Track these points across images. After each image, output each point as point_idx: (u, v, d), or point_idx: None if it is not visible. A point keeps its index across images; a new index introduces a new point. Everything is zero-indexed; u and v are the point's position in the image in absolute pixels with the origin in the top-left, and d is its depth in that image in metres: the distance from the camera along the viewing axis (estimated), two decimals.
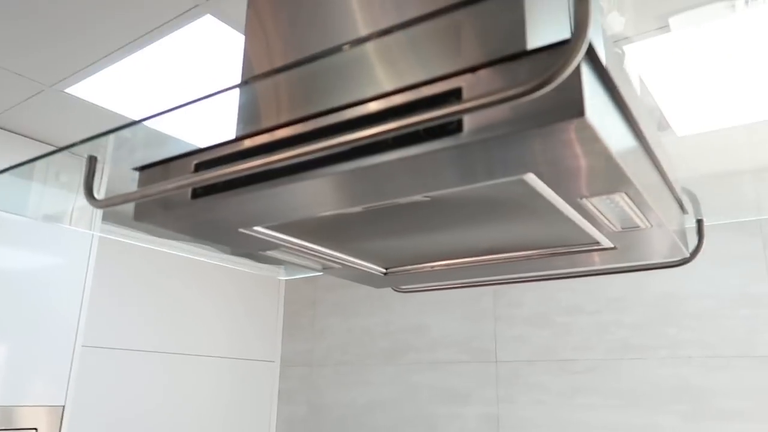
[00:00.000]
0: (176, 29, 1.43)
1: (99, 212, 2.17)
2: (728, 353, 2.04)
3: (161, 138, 1.56)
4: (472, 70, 0.55)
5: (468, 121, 0.54)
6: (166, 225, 0.76)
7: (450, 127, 0.55)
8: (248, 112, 0.79)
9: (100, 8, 1.33)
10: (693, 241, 0.91)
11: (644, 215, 0.70)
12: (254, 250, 0.87)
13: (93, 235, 2.11)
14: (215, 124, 1.54)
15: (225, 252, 2.95)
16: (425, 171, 0.60)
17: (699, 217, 0.95)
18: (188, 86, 1.66)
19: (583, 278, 2.34)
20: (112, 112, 1.78)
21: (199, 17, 1.39)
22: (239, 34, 1.44)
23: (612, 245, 0.83)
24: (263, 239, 0.83)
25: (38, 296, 1.90)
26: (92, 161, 0.73)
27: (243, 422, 2.85)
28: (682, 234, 0.84)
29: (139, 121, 0.88)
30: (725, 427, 1.98)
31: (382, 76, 0.67)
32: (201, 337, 2.72)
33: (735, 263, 2.11)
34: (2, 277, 1.85)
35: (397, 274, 1.02)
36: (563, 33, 0.65)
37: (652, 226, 0.73)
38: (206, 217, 0.75)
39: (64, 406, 1.91)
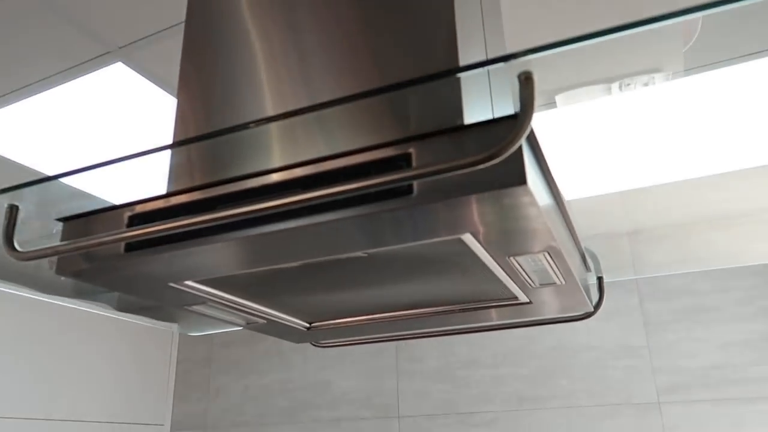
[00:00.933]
0: (86, 73, 1.39)
1: None
2: (612, 401, 2.19)
3: (77, 194, 1.48)
4: (421, 137, 0.59)
5: (418, 184, 0.58)
6: (92, 279, 0.73)
7: (400, 190, 0.59)
8: (181, 170, 0.79)
9: (8, 42, 1.27)
10: (595, 297, 1.00)
11: (560, 272, 0.77)
12: (181, 305, 0.85)
13: None
14: (133, 181, 1.49)
15: (114, 307, 2.77)
16: (372, 229, 0.63)
17: (599, 275, 1.05)
18: (93, 132, 1.60)
19: (480, 333, 2.44)
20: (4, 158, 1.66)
21: (109, 64, 1.37)
22: (150, 83, 1.43)
23: (528, 300, 0.90)
24: (192, 293, 0.81)
25: None
26: (13, 210, 0.69)
27: None
28: (587, 290, 0.92)
29: (56, 177, 0.84)
30: None
31: (323, 144, 0.71)
32: (84, 399, 2.50)
33: (615, 318, 2.30)
34: None
35: (320, 329, 1.03)
36: (490, 111, 0.73)
37: (565, 282, 0.81)
38: (137, 271, 0.73)
39: None
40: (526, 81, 0.51)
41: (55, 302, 2.50)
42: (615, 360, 2.25)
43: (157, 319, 2.97)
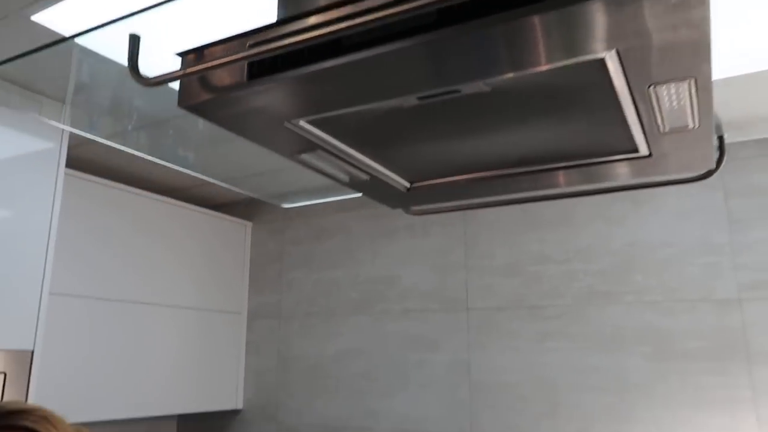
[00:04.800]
0: None
1: (65, 151, 2.05)
2: (690, 297, 2.15)
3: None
4: None
5: None
6: (212, 113, 0.73)
7: None
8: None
9: None
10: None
11: (698, 110, 0.72)
12: (292, 153, 0.84)
13: (57, 179, 2.00)
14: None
15: (196, 201, 2.86)
16: (503, 49, 0.59)
17: (720, 134, 0.99)
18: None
19: (553, 229, 2.41)
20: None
21: None
22: None
23: (648, 152, 0.85)
24: (305, 137, 0.81)
25: (1, 241, 1.80)
26: (135, 40, 0.68)
27: (211, 373, 2.80)
28: (713, 143, 0.86)
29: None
30: (686, 365, 2.10)
31: None
32: (168, 287, 2.65)
33: (696, 215, 2.21)
34: None
35: (420, 190, 1.02)
36: None
37: (699, 125, 0.76)
38: (256, 104, 0.72)
39: (33, 351, 1.82)
40: None
41: (145, 195, 2.59)
42: (694, 257, 2.19)
43: (233, 215, 3.06)
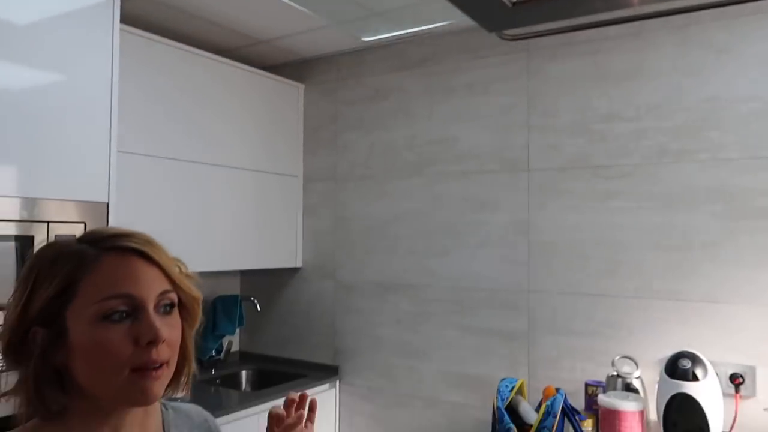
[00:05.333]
0: None
1: (118, 4, 1.98)
2: None
3: None
4: None
5: None
6: None
7: None
8: None
9: None
10: None
11: None
12: None
13: (113, 35, 1.94)
14: None
15: (255, 59, 2.79)
16: None
17: None
18: None
19: (623, 83, 2.26)
20: None
21: None
22: None
23: None
24: None
25: (67, 102, 1.81)
26: None
27: (271, 233, 2.89)
28: None
29: None
30: (758, 224, 2.04)
31: None
32: (226, 149, 2.66)
33: None
34: (24, 85, 1.73)
35: (525, 6, 0.91)
36: None
37: None
38: None
39: (107, 203, 1.88)
40: None
41: (200, 54, 2.53)
42: None
43: (285, 77, 2.99)
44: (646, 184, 2.23)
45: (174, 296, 0.80)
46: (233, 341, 3.10)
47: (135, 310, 0.75)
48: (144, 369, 0.74)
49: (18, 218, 1.67)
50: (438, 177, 2.68)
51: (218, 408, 2.32)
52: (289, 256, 2.98)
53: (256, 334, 3.18)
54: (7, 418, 0.77)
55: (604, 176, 2.31)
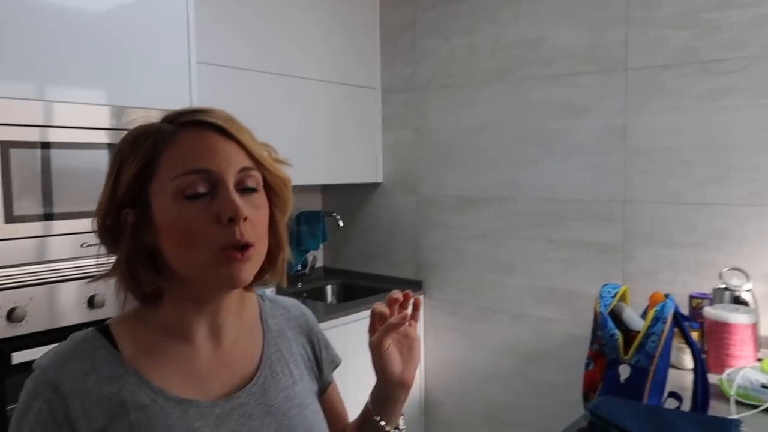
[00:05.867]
0: None
1: None
2: None
3: None
4: None
5: None
6: None
7: None
8: None
9: None
10: None
11: None
12: None
13: None
14: None
15: None
16: None
17: None
18: None
19: None
20: None
21: None
22: None
23: None
24: None
25: (147, 18, 1.85)
26: None
27: (351, 148, 2.84)
28: None
29: None
30: None
31: None
32: (301, 59, 2.59)
33: None
34: (108, 5, 1.72)
35: None
36: None
37: None
38: None
39: None
40: None
41: None
42: None
43: None
44: (764, 78, 1.98)
45: (257, 175, 0.76)
46: (317, 256, 3.14)
47: (214, 186, 0.72)
48: (228, 249, 0.71)
49: (108, 126, 1.73)
50: (524, 82, 2.51)
51: None
52: (369, 171, 2.94)
53: (339, 249, 3.21)
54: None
55: (715, 72, 2.07)
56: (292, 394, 0.83)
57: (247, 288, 0.83)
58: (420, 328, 2.88)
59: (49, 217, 1.62)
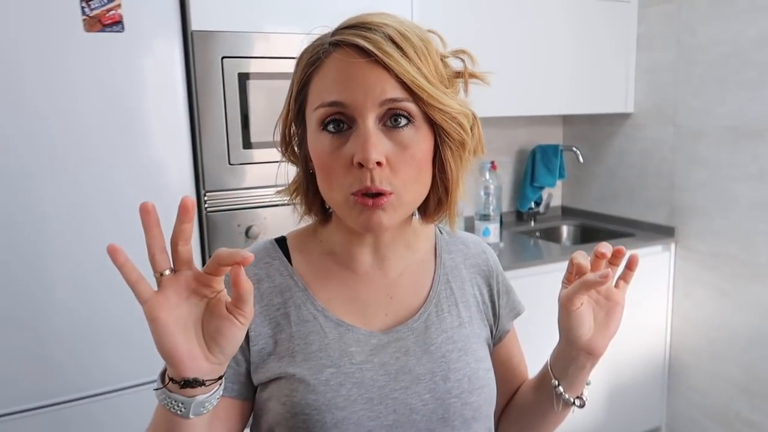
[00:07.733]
0: None
1: None
2: None
3: None
4: None
5: None
6: None
7: None
8: None
9: None
10: None
11: None
12: None
13: None
14: None
15: None
16: None
17: None
18: None
19: None
20: None
21: None
22: None
23: None
24: None
25: None
26: None
27: (597, 72, 2.50)
28: None
29: None
30: None
31: None
32: None
33: None
34: None
35: None
36: None
37: None
38: None
39: None
40: None
41: None
42: None
43: None
44: None
45: (410, 107, 0.63)
46: (553, 194, 2.91)
47: (352, 120, 0.63)
48: (359, 195, 0.63)
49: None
50: None
51: (536, 258, 2.23)
52: (617, 99, 2.58)
53: (579, 187, 2.92)
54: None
55: None
56: (456, 337, 0.74)
57: (426, 220, 0.74)
58: (667, 283, 2.49)
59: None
